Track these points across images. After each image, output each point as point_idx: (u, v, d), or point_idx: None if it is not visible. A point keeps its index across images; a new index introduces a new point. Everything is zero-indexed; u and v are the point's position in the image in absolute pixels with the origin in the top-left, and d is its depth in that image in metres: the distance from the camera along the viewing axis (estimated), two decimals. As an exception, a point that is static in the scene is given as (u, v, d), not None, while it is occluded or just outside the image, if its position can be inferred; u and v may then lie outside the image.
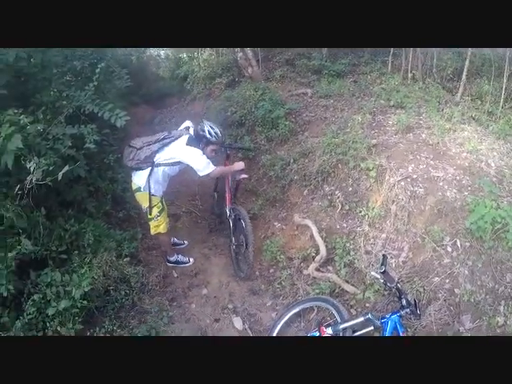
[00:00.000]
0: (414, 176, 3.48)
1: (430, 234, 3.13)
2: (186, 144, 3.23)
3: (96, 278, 2.85)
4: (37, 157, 2.43)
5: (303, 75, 6.00)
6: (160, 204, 3.37)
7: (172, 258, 3.74)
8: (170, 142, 3.25)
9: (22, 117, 2.37)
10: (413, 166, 3.60)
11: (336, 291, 3.27)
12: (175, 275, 3.70)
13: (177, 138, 3.27)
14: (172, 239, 3.91)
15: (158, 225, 3.44)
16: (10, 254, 2.43)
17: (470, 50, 4.69)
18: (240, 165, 3.62)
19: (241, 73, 6.15)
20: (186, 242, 4.07)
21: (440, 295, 2.87)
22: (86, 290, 2.67)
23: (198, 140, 3.35)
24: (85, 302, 2.68)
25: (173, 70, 8.21)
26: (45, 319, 2.54)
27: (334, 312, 2.82)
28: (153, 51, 8.55)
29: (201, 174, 3.29)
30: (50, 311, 2.53)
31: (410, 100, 4.64)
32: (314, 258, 3.54)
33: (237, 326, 3.21)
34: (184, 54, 7.61)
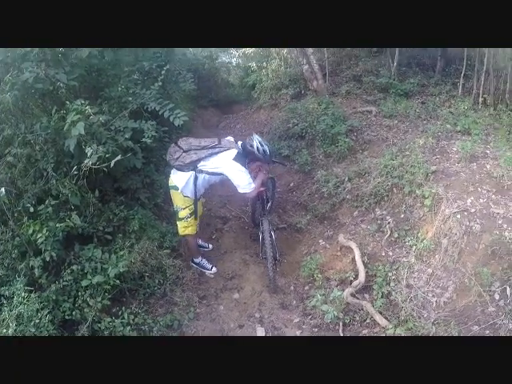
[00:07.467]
0: (472, 210, 3.18)
1: (478, 276, 2.82)
2: (233, 159, 3.22)
3: (134, 262, 3.03)
4: (96, 144, 2.68)
5: (369, 92, 5.84)
6: (192, 206, 3.38)
7: (196, 260, 3.75)
8: (217, 152, 3.25)
9: (87, 107, 2.63)
10: (472, 198, 3.29)
11: (367, 321, 3.07)
12: (212, 275, 3.77)
13: (225, 150, 3.27)
14: (198, 240, 3.90)
15: (188, 226, 3.44)
16: (58, 225, 2.70)
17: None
18: (261, 176, 3.47)
19: (307, 85, 6.15)
20: (210, 246, 4.08)
21: (475, 347, 2.57)
22: (122, 270, 2.86)
23: (244, 155, 3.34)
24: (118, 281, 2.87)
25: (242, 78, 8.43)
26: (78, 289, 2.77)
27: None
28: (225, 58, 8.89)
29: (240, 190, 3.30)
30: (84, 283, 2.76)
31: (478, 127, 4.31)
32: (351, 282, 3.38)
33: (259, 335, 3.15)
34: (253, 63, 7.80)
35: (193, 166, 3.23)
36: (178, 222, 3.46)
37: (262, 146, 3.33)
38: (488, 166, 3.69)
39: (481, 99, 4.93)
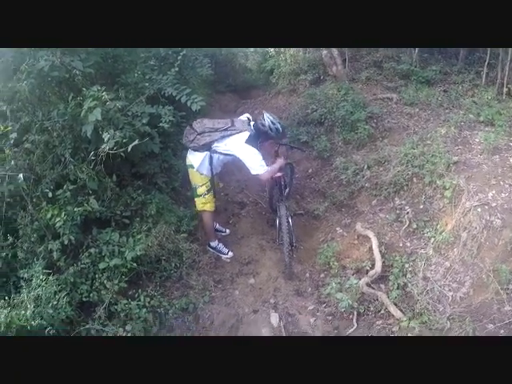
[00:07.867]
0: (493, 204, 3.07)
1: (496, 272, 2.75)
2: (245, 141, 3.27)
3: (151, 245, 3.08)
4: (113, 129, 2.70)
5: (390, 79, 5.65)
6: (209, 183, 3.48)
7: (213, 244, 3.80)
8: (230, 135, 3.31)
9: (103, 93, 2.65)
10: (494, 192, 3.18)
11: (381, 312, 3.05)
12: (228, 260, 3.80)
13: (237, 133, 3.31)
14: (215, 224, 3.94)
15: (206, 202, 3.52)
16: (76, 209, 2.76)
17: None
18: (280, 162, 3.52)
19: (326, 71, 5.99)
20: (227, 230, 4.12)
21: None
22: (139, 253, 2.93)
23: (257, 135, 3.38)
24: (134, 264, 2.93)
25: (260, 63, 8.28)
26: (96, 271, 2.84)
27: None
28: (243, 44, 8.75)
29: (253, 172, 3.33)
30: (102, 265, 2.83)
31: (502, 118, 4.12)
32: (367, 271, 3.35)
33: (272, 321, 3.18)
34: (271, 48, 7.67)
35: (207, 147, 3.31)
36: (196, 199, 3.55)
37: (274, 124, 3.35)
38: (511, 160, 3.55)
39: (505, 89, 4.72)
